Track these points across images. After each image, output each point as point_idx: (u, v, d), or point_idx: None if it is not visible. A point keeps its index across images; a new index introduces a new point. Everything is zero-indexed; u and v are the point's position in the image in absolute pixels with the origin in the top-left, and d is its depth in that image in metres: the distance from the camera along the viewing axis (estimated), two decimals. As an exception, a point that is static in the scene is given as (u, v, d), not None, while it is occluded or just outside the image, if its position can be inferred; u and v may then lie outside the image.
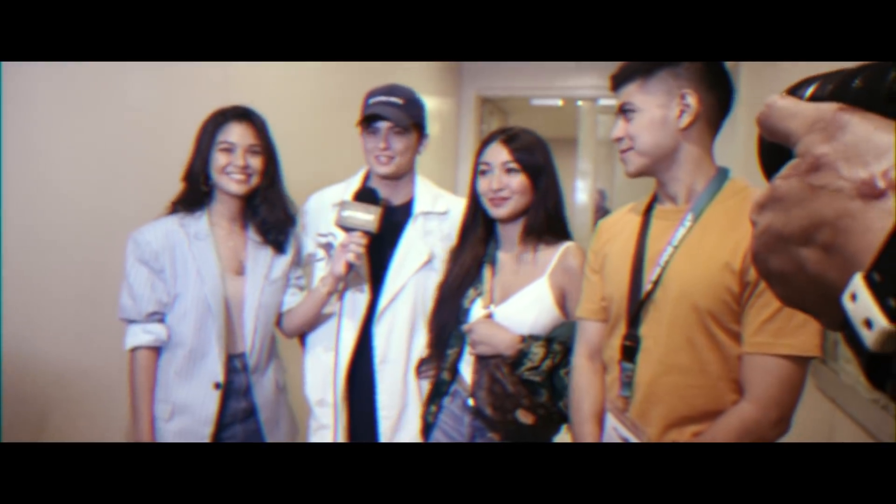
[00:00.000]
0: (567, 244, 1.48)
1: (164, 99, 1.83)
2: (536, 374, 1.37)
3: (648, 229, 1.23)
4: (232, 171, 1.50)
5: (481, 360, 1.45)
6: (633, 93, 1.17)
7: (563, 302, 1.45)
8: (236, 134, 1.51)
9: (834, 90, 0.33)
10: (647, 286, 1.16)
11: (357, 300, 1.65)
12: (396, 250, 1.64)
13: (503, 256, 1.53)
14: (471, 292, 1.52)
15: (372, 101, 1.62)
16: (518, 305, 1.45)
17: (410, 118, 1.60)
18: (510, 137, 1.47)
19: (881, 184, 0.28)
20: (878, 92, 0.30)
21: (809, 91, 0.34)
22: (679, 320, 1.12)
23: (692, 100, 1.14)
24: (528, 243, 1.48)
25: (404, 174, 1.67)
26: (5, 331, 1.42)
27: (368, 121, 1.60)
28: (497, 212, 1.47)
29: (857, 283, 0.28)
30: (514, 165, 1.45)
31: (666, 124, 1.15)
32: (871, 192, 0.28)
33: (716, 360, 1.10)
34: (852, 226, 0.29)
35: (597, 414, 1.28)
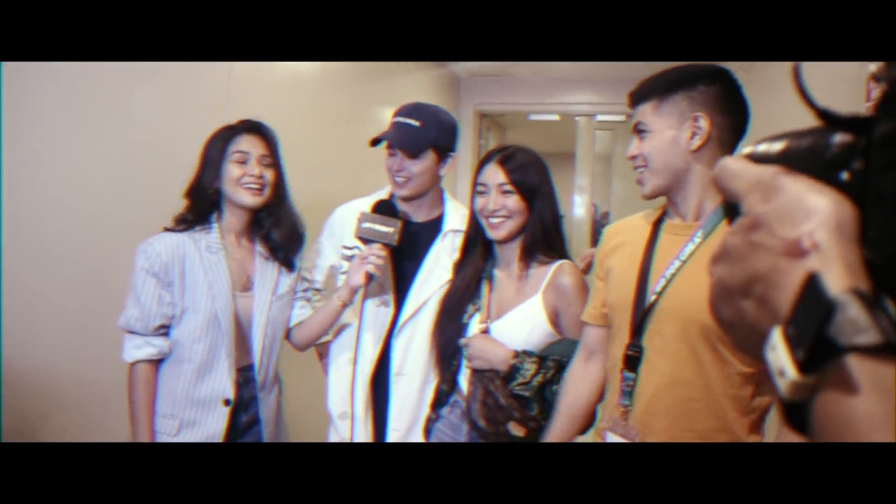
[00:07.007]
0: (560, 263, 1.48)
1: (167, 110, 1.84)
2: (527, 389, 1.40)
3: (657, 242, 1.24)
4: (248, 181, 1.48)
5: (476, 374, 1.47)
6: (647, 113, 1.20)
7: (556, 319, 1.46)
8: (249, 144, 1.50)
9: (782, 151, 0.36)
10: (650, 297, 1.18)
11: (380, 314, 1.65)
12: (422, 266, 1.64)
13: (500, 273, 1.55)
14: (470, 308, 1.54)
15: (392, 121, 1.61)
16: (512, 322, 1.47)
17: (426, 141, 1.57)
18: (506, 158, 1.47)
19: (806, 244, 0.30)
20: (819, 157, 0.33)
21: (761, 149, 0.37)
22: (685, 335, 1.13)
23: (704, 122, 1.16)
24: (524, 262, 1.49)
25: (424, 194, 1.65)
26: (6, 339, 1.42)
27: (378, 142, 1.60)
28: (494, 234, 1.48)
29: (775, 336, 0.30)
30: (509, 187, 1.46)
31: (677, 145, 1.18)
32: (797, 251, 0.31)
33: (719, 376, 1.12)
34: (780, 281, 0.31)
35: (571, 410, 1.36)
